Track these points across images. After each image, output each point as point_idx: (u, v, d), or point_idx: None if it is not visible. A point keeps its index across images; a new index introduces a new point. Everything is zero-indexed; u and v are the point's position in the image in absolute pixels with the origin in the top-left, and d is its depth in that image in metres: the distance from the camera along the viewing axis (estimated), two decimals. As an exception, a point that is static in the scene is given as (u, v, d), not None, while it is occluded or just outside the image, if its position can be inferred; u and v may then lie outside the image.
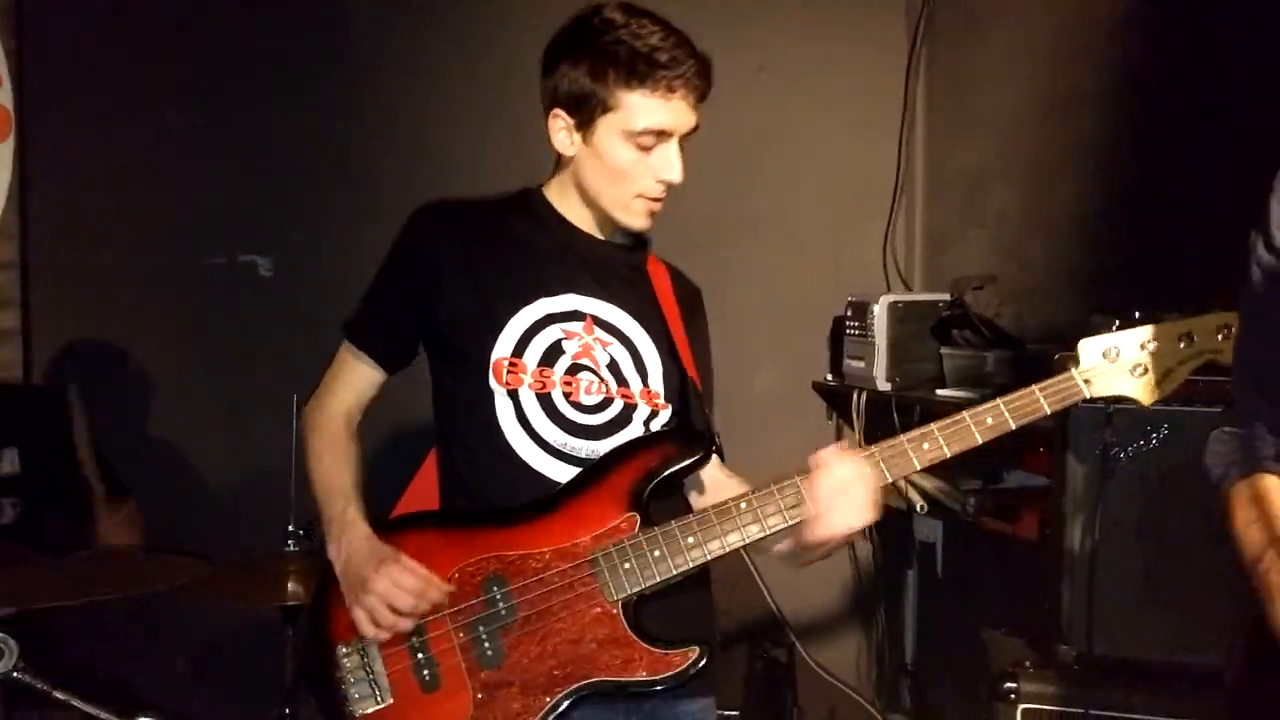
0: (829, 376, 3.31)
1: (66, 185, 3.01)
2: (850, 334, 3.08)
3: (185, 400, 3.06)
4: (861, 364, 3.03)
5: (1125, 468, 2.03)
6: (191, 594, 1.95)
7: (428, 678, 1.60)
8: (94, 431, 2.49)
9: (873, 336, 2.96)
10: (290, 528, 2.21)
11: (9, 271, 2.94)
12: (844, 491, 1.55)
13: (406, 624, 1.59)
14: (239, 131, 3.10)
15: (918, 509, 2.83)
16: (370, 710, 1.60)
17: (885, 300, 2.95)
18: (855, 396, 3.11)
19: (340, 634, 1.63)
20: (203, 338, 3.08)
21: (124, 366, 3.04)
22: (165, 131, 3.09)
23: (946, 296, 2.92)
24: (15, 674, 1.70)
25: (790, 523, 1.57)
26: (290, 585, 2.17)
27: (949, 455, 1.60)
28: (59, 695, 1.72)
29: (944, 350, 2.86)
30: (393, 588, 1.57)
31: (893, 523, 3.08)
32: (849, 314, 3.08)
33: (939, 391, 2.80)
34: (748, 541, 1.58)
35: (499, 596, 1.59)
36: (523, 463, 1.65)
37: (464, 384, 1.69)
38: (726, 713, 2.46)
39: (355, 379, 1.76)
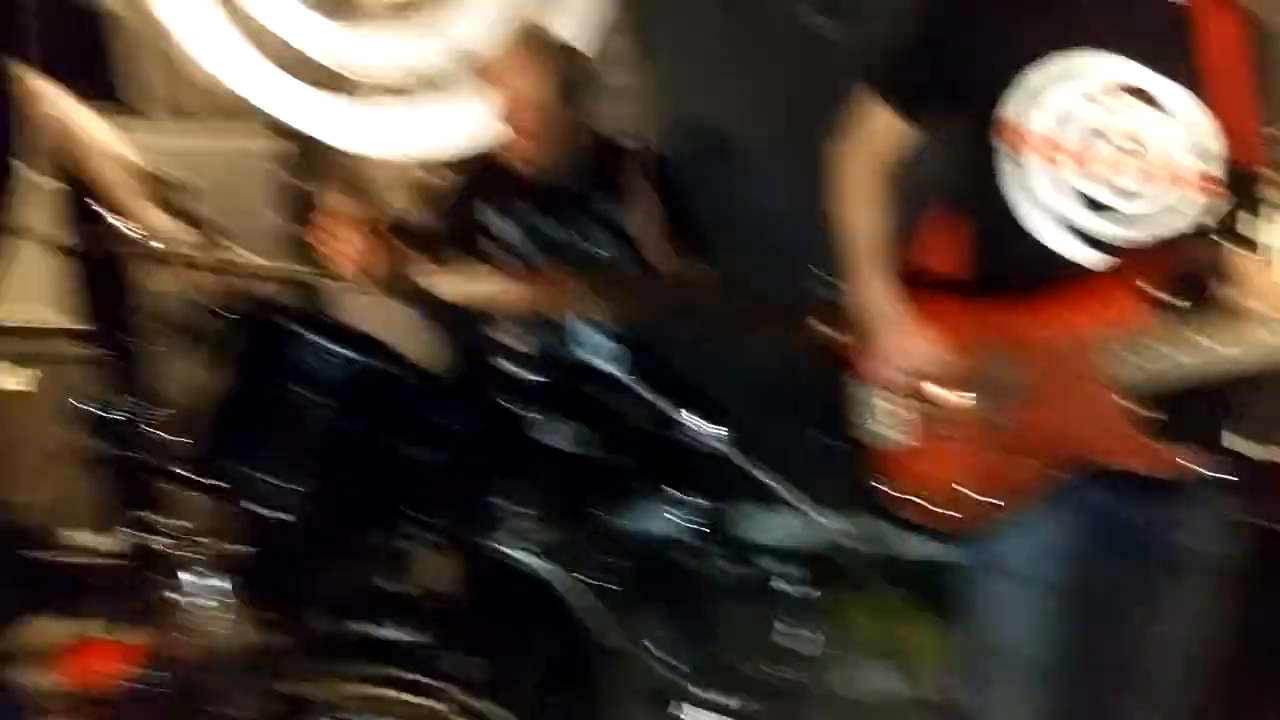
0: None
1: None
2: None
3: (743, 151, 3.20)
4: None
5: None
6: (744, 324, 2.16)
7: (934, 428, 1.72)
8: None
9: None
10: (829, 278, 2.37)
11: (626, 32, 3.21)
12: None
13: (907, 386, 1.71)
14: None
15: None
16: (885, 444, 1.77)
17: None
18: None
19: (861, 373, 1.79)
20: (770, 93, 3.18)
21: (697, 121, 3.24)
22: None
23: None
24: (614, 370, 2.04)
25: None
26: (830, 328, 2.34)
27: None
28: (643, 392, 2.03)
29: None
30: (900, 353, 1.69)
31: None
32: None
33: None
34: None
35: (1004, 367, 1.62)
36: (1027, 233, 1.60)
37: (969, 140, 1.64)
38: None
39: (884, 132, 1.76)
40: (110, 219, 2.24)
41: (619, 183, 2.66)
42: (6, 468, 2.81)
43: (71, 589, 2.50)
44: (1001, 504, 1.66)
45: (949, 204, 1.76)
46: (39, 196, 2.86)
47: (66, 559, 3.08)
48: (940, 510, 1.71)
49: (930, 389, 1.71)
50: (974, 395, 1.68)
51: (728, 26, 3.20)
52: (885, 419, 1.78)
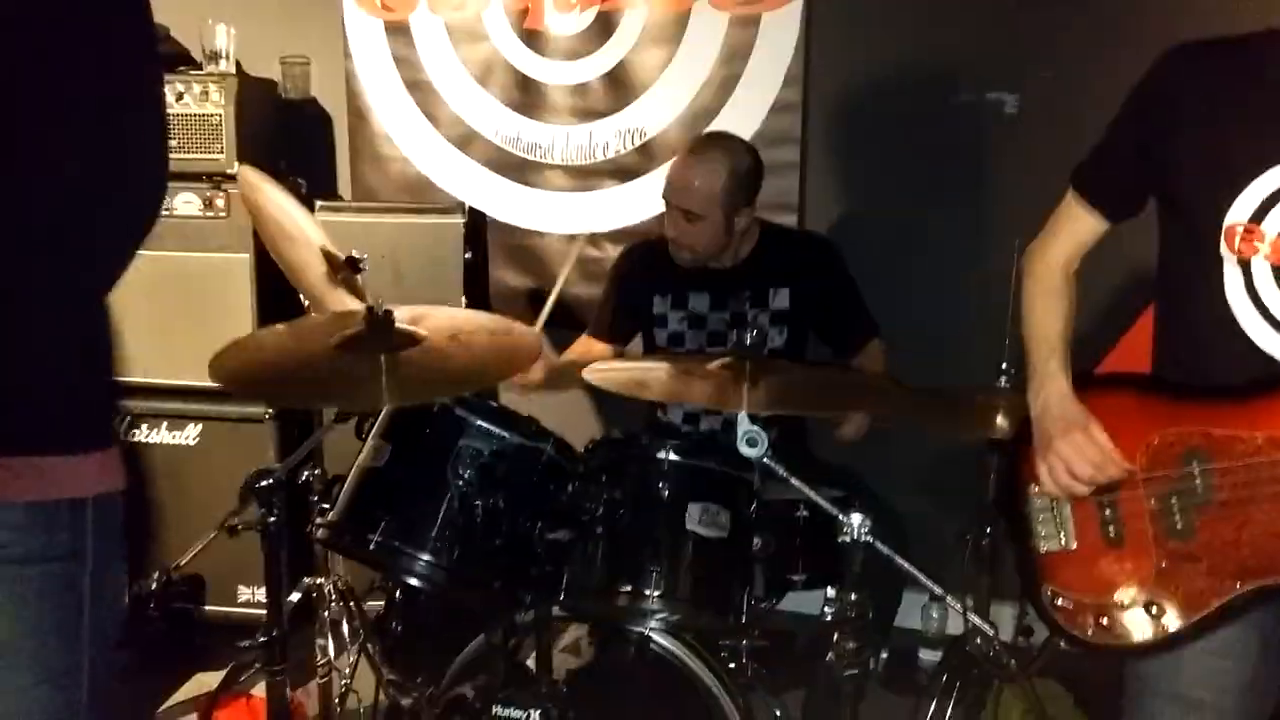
0: None
1: (845, 33, 3.17)
2: None
3: (920, 233, 3.15)
4: None
5: None
6: (905, 420, 2.11)
7: (1112, 533, 1.56)
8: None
9: None
10: (1004, 365, 2.25)
11: (794, 113, 3.27)
12: None
13: (1081, 489, 1.56)
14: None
15: None
16: (1053, 549, 1.61)
17: None
18: None
19: (1032, 475, 1.63)
20: (945, 174, 3.12)
21: (874, 200, 3.24)
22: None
23: None
24: (765, 460, 2.01)
25: None
26: (999, 419, 2.23)
27: None
28: (795, 482, 2.02)
29: None
30: (1074, 454, 1.54)
31: None
32: None
33: None
34: None
35: (1198, 472, 1.49)
36: (1247, 339, 1.49)
37: (1190, 245, 1.53)
38: None
39: (1078, 228, 1.68)
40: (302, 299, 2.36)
41: (784, 269, 2.66)
42: (170, 520, 2.99)
43: (219, 643, 2.59)
44: (1171, 619, 1.51)
45: (1163, 303, 1.64)
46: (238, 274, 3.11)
47: (219, 613, 3.22)
48: (1104, 622, 1.55)
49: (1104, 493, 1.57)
50: (1156, 500, 1.51)
51: (906, 105, 3.14)
52: (1052, 522, 1.62)
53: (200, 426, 3.22)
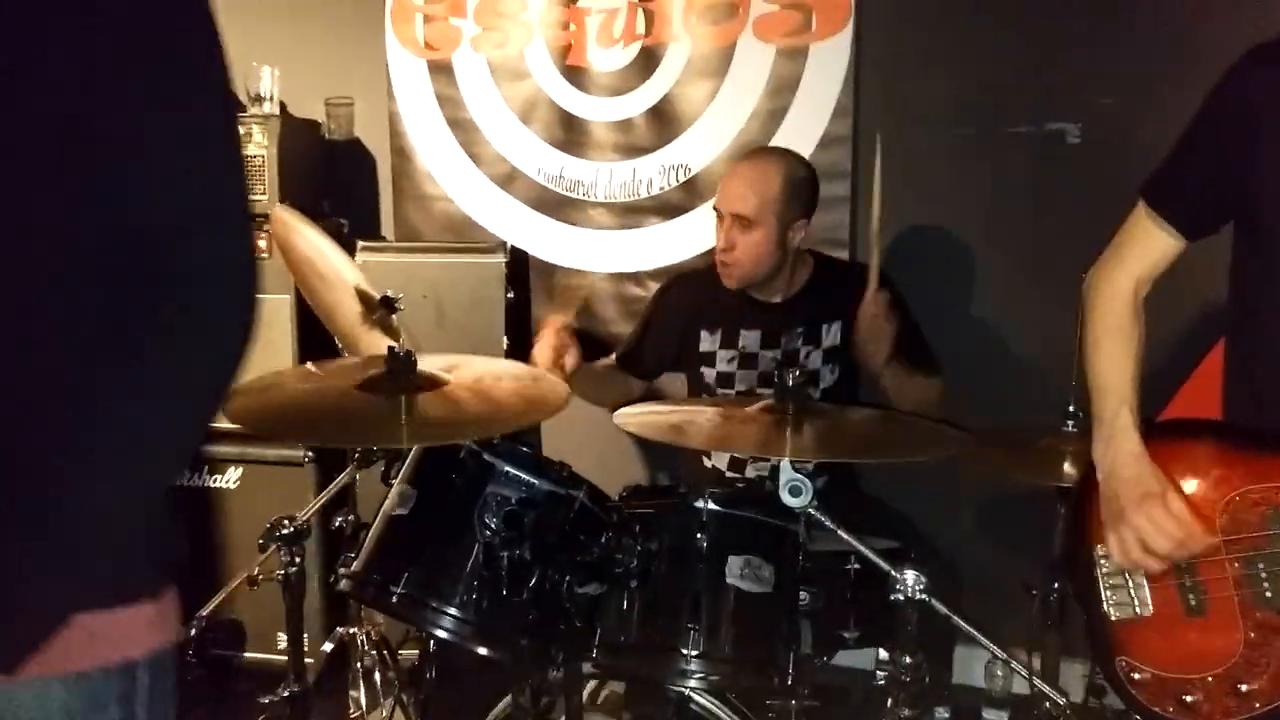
0: None
1: (897, 62, 3.04)
2: None
3: (981, 269, 3.00)
4: None
5: None
6: (966, 465, 1.96)
7: (1193, 602, 1.39)
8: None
9: None
10: (1070, 408, 2.09)
11: (844, 145, 3.15)
12: None
13: (1157, 566, 1.39)
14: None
15: None
16: (1126, 617, 1.44)
17: None
18: None
19: (1100, 534, 1.46)
20: (1004, 207, 2.96)
21: (931, 236, 3.09)
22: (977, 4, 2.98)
23: None
24: (810, 510, 1.89)
25: None
26: (1066, 466, 2.05)
27: None
28: (843, 534, 1.89)
29: None
30: (1150, 528, 1.37)
31: None
32: None
33: None
34: None
35: None
36: None
37: (1271, 271, 1.38)
38: None
39: (1150, 247, 1.51)
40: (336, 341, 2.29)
41: (834, 301, 2.52)
42: (210, 564, 2.92)
43: (258, 691, 2.51)
44: (1261, 698, 1.35)
45: (1237, 334, 1.50)
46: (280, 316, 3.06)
47: (259, 660, 3.13)
48: (1186, 700, 1.39)
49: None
50: (1241, 565, 1.35)
51: (961, 137, 2.99)
52: (1125, 587, 1.46)
53: (241, 470, 3.17)
